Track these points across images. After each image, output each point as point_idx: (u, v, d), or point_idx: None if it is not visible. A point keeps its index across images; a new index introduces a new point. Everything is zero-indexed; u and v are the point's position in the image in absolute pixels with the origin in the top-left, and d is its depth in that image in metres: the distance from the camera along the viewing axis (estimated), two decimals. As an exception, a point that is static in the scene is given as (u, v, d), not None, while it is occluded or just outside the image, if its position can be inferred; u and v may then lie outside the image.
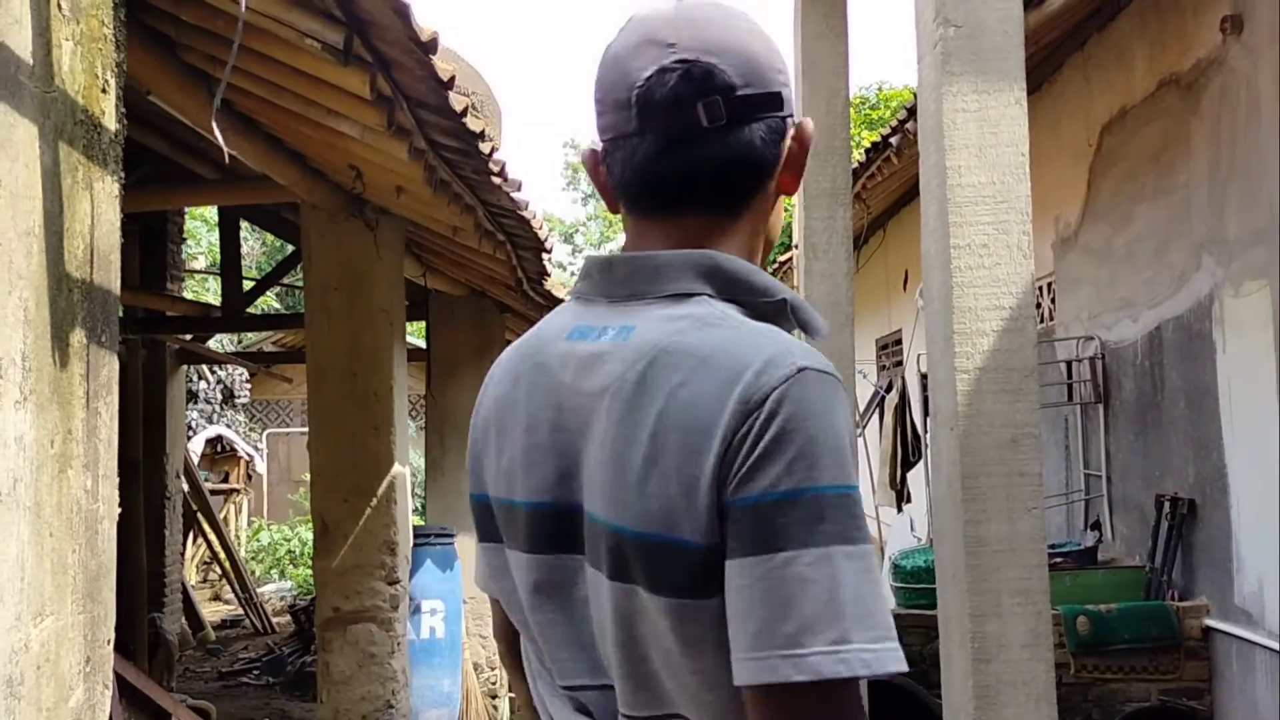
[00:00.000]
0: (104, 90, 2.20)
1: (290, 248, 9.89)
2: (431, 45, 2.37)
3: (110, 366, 2.23)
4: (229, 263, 7.56)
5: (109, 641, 2.20)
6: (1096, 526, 6.32)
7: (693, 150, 1.02)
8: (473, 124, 2.89)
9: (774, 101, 1.04)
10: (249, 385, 15.34)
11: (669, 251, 1.02)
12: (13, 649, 1.82)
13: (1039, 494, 2.32)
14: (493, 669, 7.55)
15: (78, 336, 2.08)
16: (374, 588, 4.61)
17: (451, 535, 7.02)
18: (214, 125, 2.07)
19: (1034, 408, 2.28)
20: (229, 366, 14.02)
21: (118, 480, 2.25)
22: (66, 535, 2.02)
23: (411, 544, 5.73)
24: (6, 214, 1.82)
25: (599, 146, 1.11)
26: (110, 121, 2.22)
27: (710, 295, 1.00)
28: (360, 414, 4.64)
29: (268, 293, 12.64)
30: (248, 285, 8.02)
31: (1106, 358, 6.19)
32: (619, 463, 0.93)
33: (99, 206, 2.18)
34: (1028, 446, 2.29)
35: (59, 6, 2.01)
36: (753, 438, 0.87)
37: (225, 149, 2.18)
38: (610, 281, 1.04)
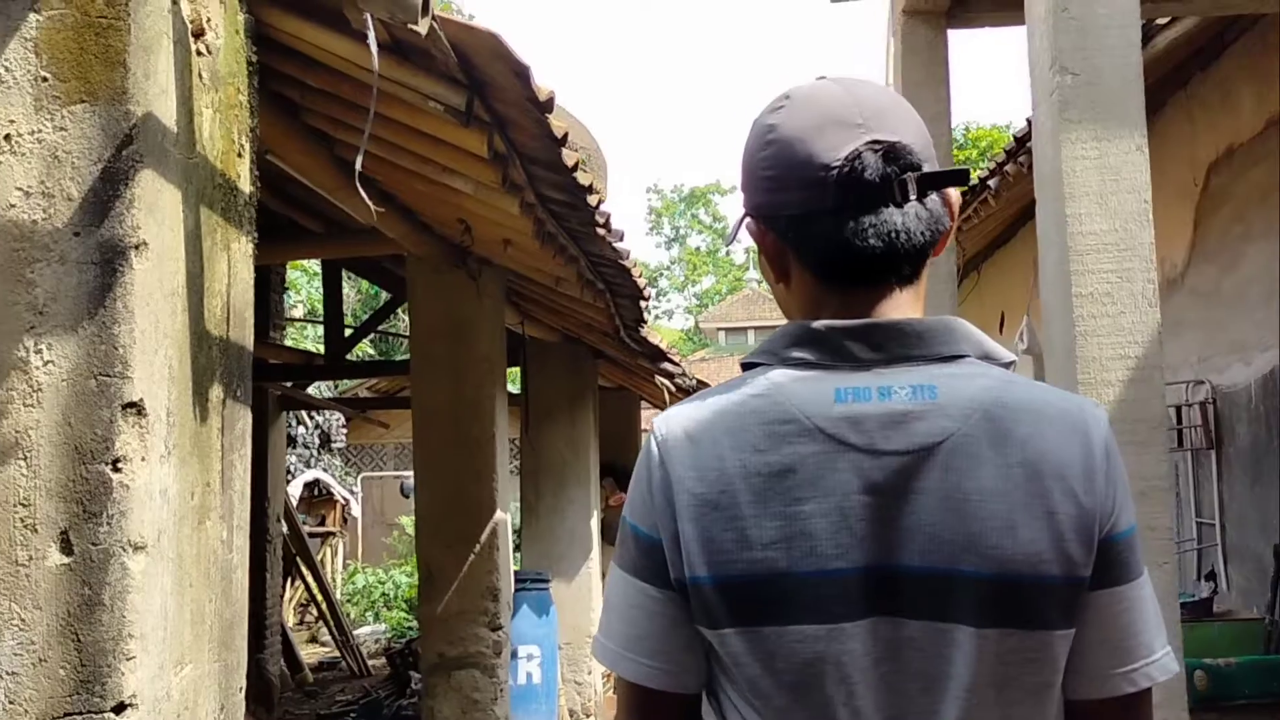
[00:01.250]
0: (239, 155, 2.29)
1: (386, 295, 10.14)
2: (548, 105, 2.42)
3: (244, 420, 2.31)
4: (331, 311, 7.76)
5: (241, 689, 2.25)
6: (1211, 577, 6.10)
7: (897, 226, 1.09)
8: (582, 179, 2.94)
9: (961, 177, 1.14)
10: (345, 430, 15.65)
11: (922, 318, 1.10)
12: (156, 697, 1.88)
13: (1170, 547, 2.26)
14: (588, 715, 7.53)
15: (216, 391, 2.16)
16: (477, 634, 4.65)
17: (547, 580, 7.06)
18: (358, 186, 2.14)
19: (1162, 459, 2.23)
20: (326, 412, 14.33)
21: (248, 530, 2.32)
22: (204, 585, 2.08)
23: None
24: (154, 275, 1.91)
25: (751, 219, 1.18)
26: (245, 184, 2.31)
27: (972, 357, 1.09)
28: (463, 461, 4.71)
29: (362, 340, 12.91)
30: (347, 333, 8.22)
31: (1218, 402, 6.00)
32: (969, 513, 1.01)
33: (235, 266, 2.27)
34: (1157, 499, 2.24)
35: (200, 76, 2.11)
36: (1107, 481, 1.04)
37: (372, 207, 2.25)
38: (864, 347, 1.08)
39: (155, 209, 1.91)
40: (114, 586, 1.81)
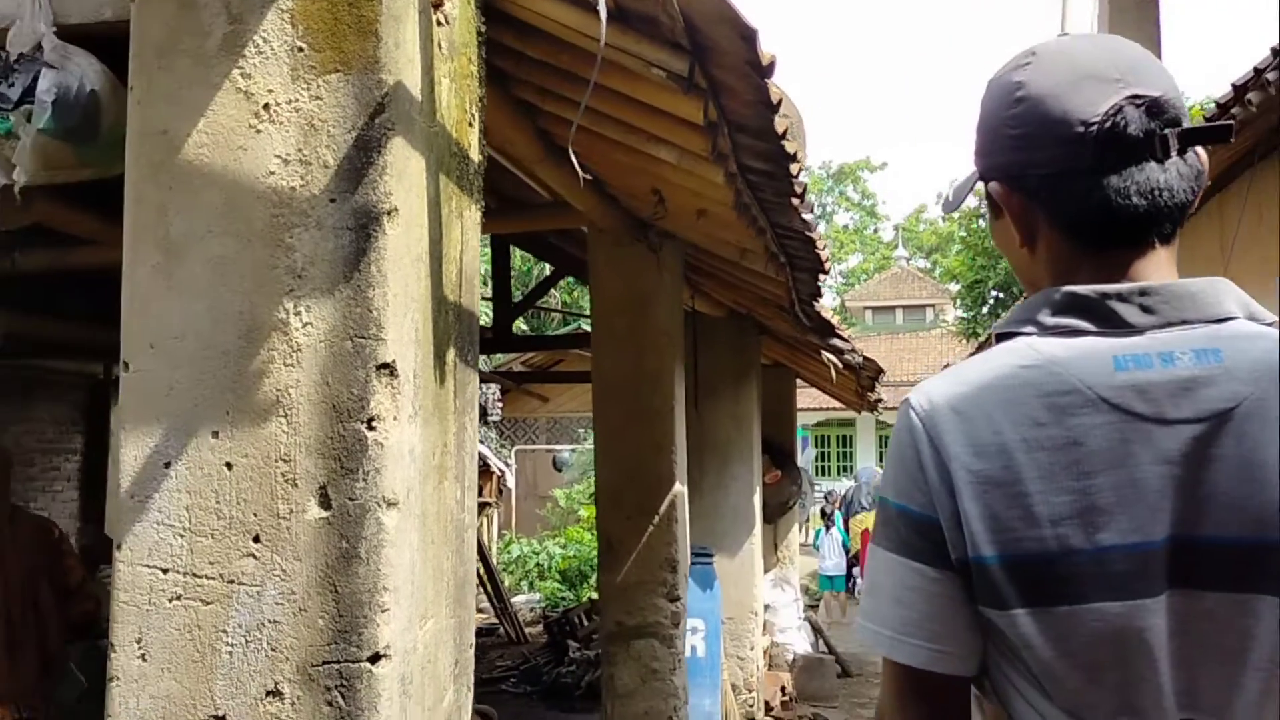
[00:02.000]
0: (470, 124, 2.33)
1: (547, 270, 10.30)
2: (769, 69, 2.39)
3: (473, 383, 2.36)
4: (499, 286, 7.90)
5: (471, 646, 2.31)
6: None
7: (1159, 183, 1.06)
8: (789, 146, 2.90)
9: (1224, 132, 1.10)
10: (500, 403, 16.01)
11: (1191, 279, 1.06)
12: (405, 649, 1.94)
13: None
14: (750, 690, 7.53)
15: (451, 355, 2.21)
16: (656, 604, 4.69)
17: (711, 555, 7.07)
18: (572, 153, 2.16)
19: None
20: (483, 385, 14.68)
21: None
22: (443, 543, 2.14)
23: (681, 562, 5.79)
24: (403, 241, 1.96)
25: (995, 181, 1.15)
26: (475, 153, 2.36)
27: (1240, 318, 1.04)
28: (643, 433, 4.74)
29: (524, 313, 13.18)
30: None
31: None
32: (1267, 480, 0.97)
33: (466, 233, 2.31)
34: None
35: (439, 46, 2.15)
36: None
37: (582, 173, 2.26)
38: (1136, 311, 1.05)
39: (404, 176, 1.96)
40: (369, 541, 1.87)
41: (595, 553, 12.93)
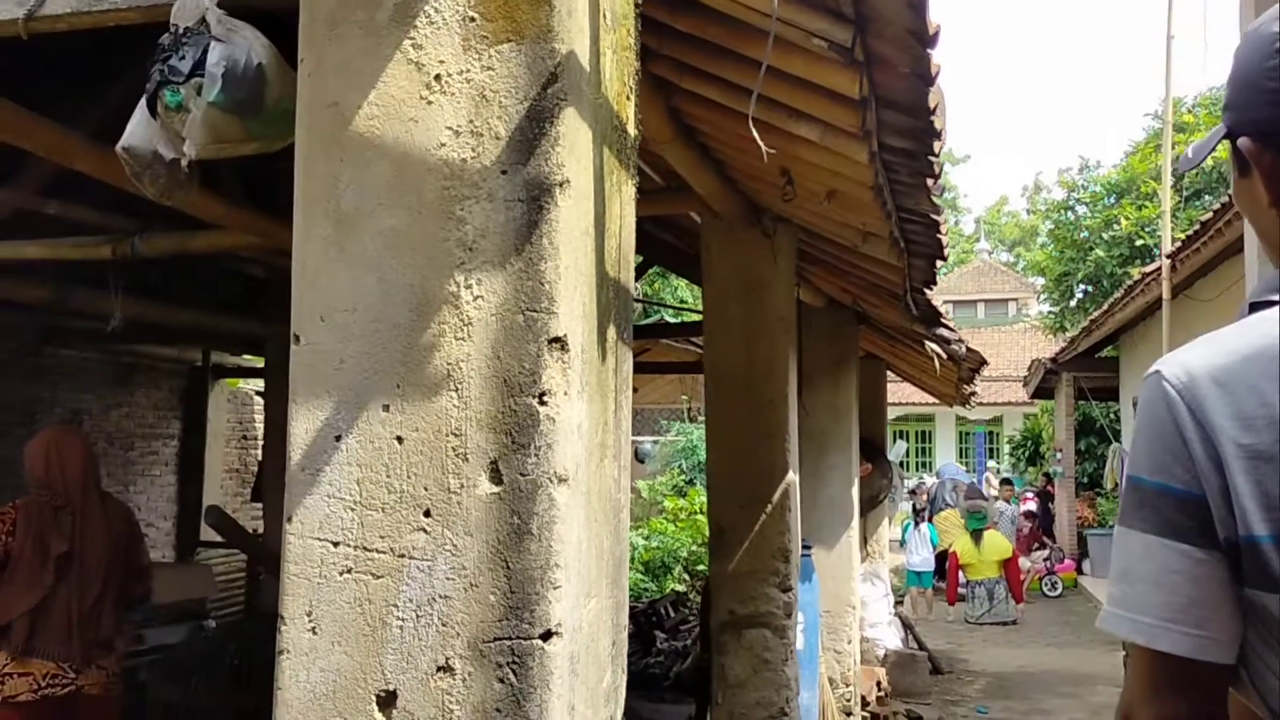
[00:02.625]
0: (628, 97, 2.30)
1: (638, 260, 10.26)
2: (934, 39, 2.31)
3: (628, 362, 2.32)
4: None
5: (625, 627, 2.28)
6: None
7: None
8: (937, 122, 2.82)
9: None
10: (583, 394, 16.03)
11: None
12: (574, 627, 1.91)
13: None
14: (846, 685, 7.43)
15: (611, 332, 2.17)
16: (768, 594, 4.63)
17: (809, 547, 6.98)
18: (752, 129, 2.11)
19: None
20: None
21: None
22: (604, 521, 2.11)
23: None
24: (574, 213, 1.92)
25: (1246, 136, 1.10)
26: (631, 128, 2.32)
27: None
28: (756, 422, 4.68)
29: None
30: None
31: None
32: None
33: (625, 208, 2.28)
34: None
35: (605, 16, 2.11)
36: None
37: (764, 148, 2.22)
38: None
39: (575, 148, 1.92)
40: (541, 517, 1.84)
41: (679, 545, 12.87)
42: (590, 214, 2.02)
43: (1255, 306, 1.08)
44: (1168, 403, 1.05)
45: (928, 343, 6.76)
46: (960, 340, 6.76)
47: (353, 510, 1.92)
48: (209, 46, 2.09)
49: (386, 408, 1.92)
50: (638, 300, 16.50)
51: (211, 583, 8.35)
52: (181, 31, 2.13)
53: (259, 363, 10.24)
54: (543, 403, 1.86)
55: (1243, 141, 1.11)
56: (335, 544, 1.92)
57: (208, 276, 7.51)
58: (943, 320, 6.42)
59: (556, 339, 1.87)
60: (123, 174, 2.36)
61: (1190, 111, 18.17)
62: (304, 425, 1.95)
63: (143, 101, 2.18)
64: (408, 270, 1.92)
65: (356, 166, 1.95)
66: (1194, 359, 1.06)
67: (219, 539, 8.20)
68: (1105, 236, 19.08)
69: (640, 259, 9.41)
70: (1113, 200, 20.11)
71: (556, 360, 1.87)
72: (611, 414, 2.17)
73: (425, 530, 1.89)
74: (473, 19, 1.93)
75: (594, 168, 2.05)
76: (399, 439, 1.91)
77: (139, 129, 2.20)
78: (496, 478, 1.87)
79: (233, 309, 7.73)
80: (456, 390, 1.90)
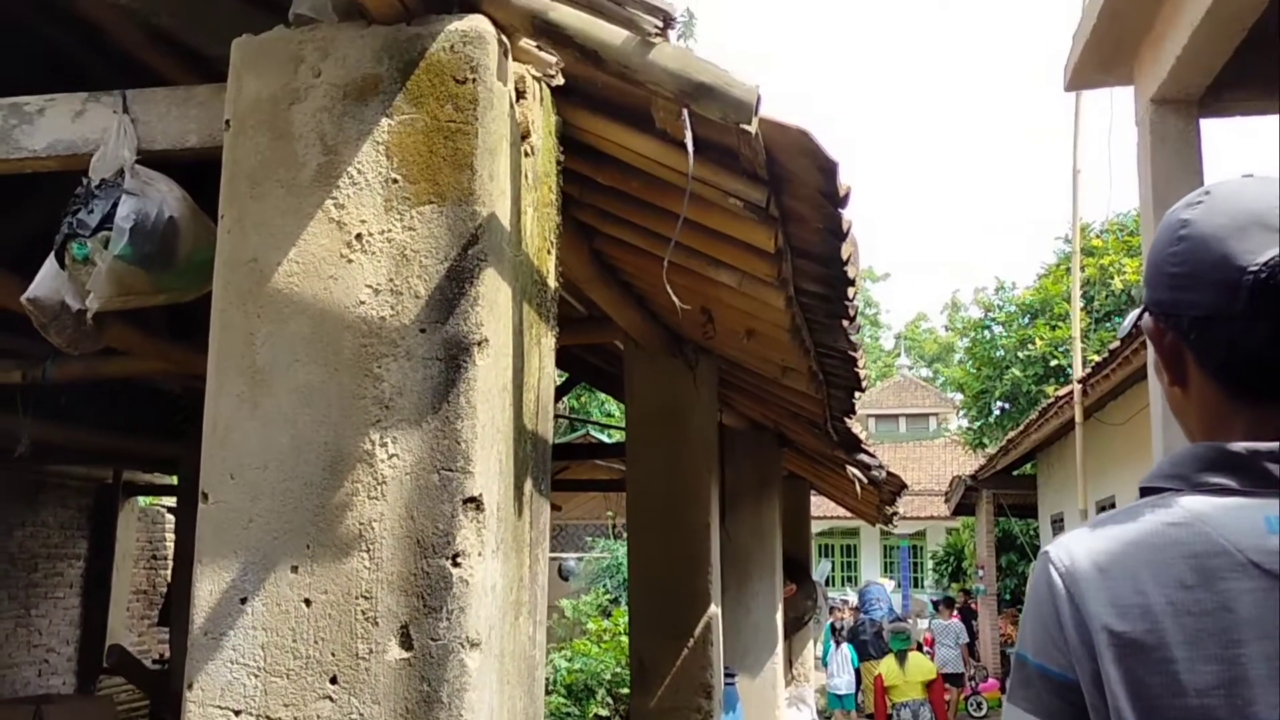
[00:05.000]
0: (549, 251, 2.33)
1: (562, 378, 10.28)
2: (845, 200, 2.40)
3: (545, 514, 2.31)
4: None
5: (540, 789, 2.21)
6: None
7: None
8: (850, 272, 2.90)
9: None
10: (507, 510, 15.82)
11: None
12: (484, 798, 1.85)
13: None
14: (772, 818, 7.27)
15: (528, 485, 2.16)
16: (690, 731, 4.54)
17: (734, 675, 6.89)
18: (666, 285, 2.15)
19: None
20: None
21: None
22: (517, 683, 2.06)
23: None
24: (493, 371, 1.93)
25: (1150, 315, 1.13)
26: (551, 280, 2.35)
27: None
28: (678, 549, 4.66)
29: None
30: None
31: None
32: None
33: (544, 361, 2.29)
34: None
35: (526, 176, 2.16)
36: None
37: (679, 304, 2.26)
38: None
39: (495, 306, 1.94)
40: (452, 684, 1.80)
41: (602, 667, 12.60)
42: (509, 370, 2.03)
43: (1145, 491, 1.11)
44: (1050, 585, 1.07)
45: (849, 467, 6.83)
46: (880, 466, 6.85)
47: (256, 676, 1.86)
48: (120, 200, 2.09)
49: (295, 569, 1.87)
50: (563, 416, 16.46)
51: (113, 716, 7.96)
52: (95, 184, 2.12)
53: (172, 480, 9.96)
54: (456, 564, 1.84)
55: (1145, 320, 1.15)
56: (237, 713, 1.85)
57: (121, 395, 7.34)
58: (862, 446, 6.51)
59: (472, 499, 1.86)
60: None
61: (1099, 236, 18.92)
62: (209, 587, 1.90)
63: (51, 254, 2.16)
64: (322, 427, 1.91)
65: (274, 322, 1.94)
66: (1079, 543, 1.08)
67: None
68: (1020, 355, 19.62)
69: (565, 376, 9.44)
70: (1027, 320, 20.75)
71: (471, 520, 1.86)
72: (527, 569, 2.14)
73: (331, 698, 1.83)
74: (395, 180, 1.96)
75: (513, 324, 2.07)
76: (307, 601, 1.86)
77: (46, 280, 2.18)
78: (407, 643, 1.83)
79: (146, 428, 7.54)
80: (368, 551, 1.87)
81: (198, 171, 2.27)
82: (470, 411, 1.87)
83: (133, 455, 8.63)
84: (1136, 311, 1.27)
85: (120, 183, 2.16)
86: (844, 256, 2.78)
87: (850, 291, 3.16)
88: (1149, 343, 1.19)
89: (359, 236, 1.95)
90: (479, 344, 1.89)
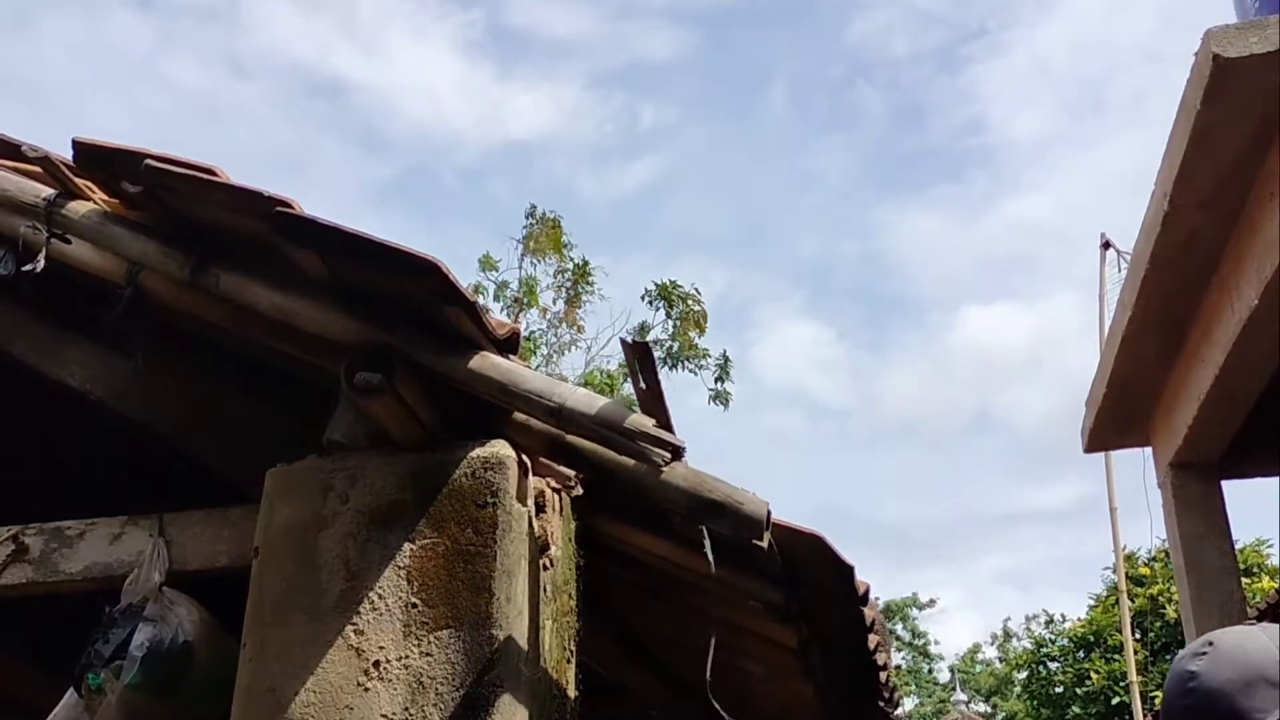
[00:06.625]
0: (569, 660, 2.32)
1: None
2: (864, 598, 2.40)
3: None
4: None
5: None
6: None
7: None
8: (879, 659, 2.85)
9: None
10: None
11: None
12: None
13: None
14: None
15: None
16: None
17: None
18: (711, 698, 2.13)
19: None
20: None
21: None
22: None
23: None
24: (506, 805, 1.87)
25: None
26: (570, 690, 2.32)
27: None
28: None
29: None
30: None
31: None
32: None
33: (564, 778, 2.22)
34: None
35: (545, 589, 2.19)
36: None
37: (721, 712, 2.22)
38: None
39: (509, 734, 1.91)
40: None
41: None
42: (524, 799, 1.97)
43: None
44: None
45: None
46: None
47: None
48: (136, 628, 2.13)
49: None
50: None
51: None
52: (118, 609, 2.18)
53: None
54: None
55: None
56: None
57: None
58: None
59: None
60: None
61: (1147, 565, 18.51)
62: None
63: (72, 685, 2.19)
64: None
65: (288, 755, 1.92)
66: None
67: None
68: (1079, 691, 18.71)
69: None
70: (1082, 655, 19.93)
71: None
72: None
73: None
74: (415, 605, 1.99)
75: (530, 747, 2.02)
76: None
77: (65, 709, 2.19)
78: None
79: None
80: None
81: (224, 589, 2.32)
82: None
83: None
84: None
85: (141, 608, 2.21)
86: (871, 646, 2.74)
87: (882, 677, 3.09)
88: None
89: (376, 664, 1.96)
90: (494, 776, 1.85)
